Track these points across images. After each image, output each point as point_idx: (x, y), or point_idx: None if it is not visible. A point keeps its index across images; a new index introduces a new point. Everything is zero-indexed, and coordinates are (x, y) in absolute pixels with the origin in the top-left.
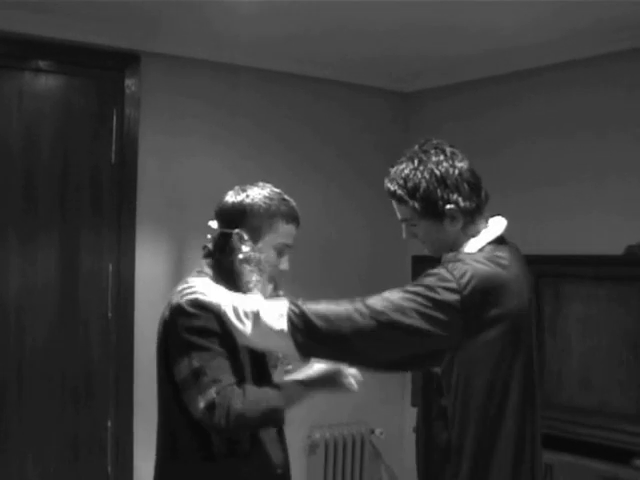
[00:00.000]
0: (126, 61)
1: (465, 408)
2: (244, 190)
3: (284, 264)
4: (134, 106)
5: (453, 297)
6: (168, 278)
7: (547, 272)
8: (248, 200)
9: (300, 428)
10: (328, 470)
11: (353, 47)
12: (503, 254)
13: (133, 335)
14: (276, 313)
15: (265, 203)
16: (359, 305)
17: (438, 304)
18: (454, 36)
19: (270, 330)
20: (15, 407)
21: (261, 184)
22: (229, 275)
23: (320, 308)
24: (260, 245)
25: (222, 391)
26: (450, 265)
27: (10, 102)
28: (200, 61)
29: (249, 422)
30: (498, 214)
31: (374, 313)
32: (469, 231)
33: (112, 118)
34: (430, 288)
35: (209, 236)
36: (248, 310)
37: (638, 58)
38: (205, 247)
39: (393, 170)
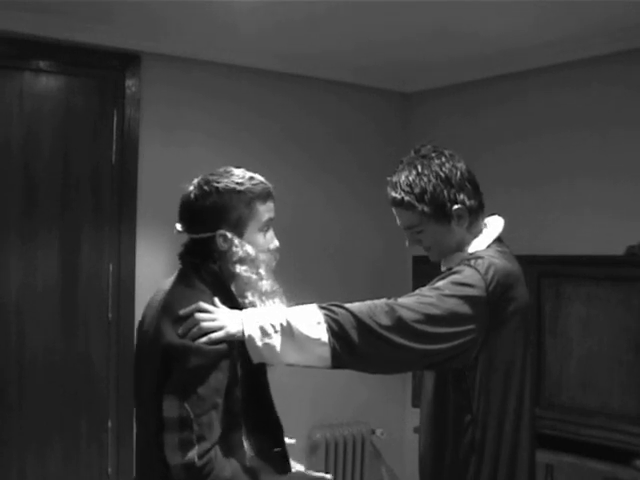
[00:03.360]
0: (126, 61)
1: (487, 403)
2: (208, 183)
3: (273, 242)
4: (134, 106)
5: (481, 293)
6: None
7: (547, 272)
8: (220, 196)
9: (301, 428)
10: (329, 470)
11: (355, 48)
12: (506, 250)
13: (133, 335)
14: (312, 320)
15: (238, 191)
16: (397, 316)
17: (468, 301)
18: (455, 38)
19: (306, 339)
20: (15, 407)
21: (221, 170)
22: (221, 281)
23: (357, 319)
24: (246, 236)
25: (205, 455)
26: (472, 262)
27: (10, 102)
28: (200, 61)
29: None
30: (493, 213)
31: (416, 329)
32: (473, 230)
33: (112, 118)
34: (460, 285)
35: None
36: (276, 322)
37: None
38: (183, 256)
39: (395, 179)
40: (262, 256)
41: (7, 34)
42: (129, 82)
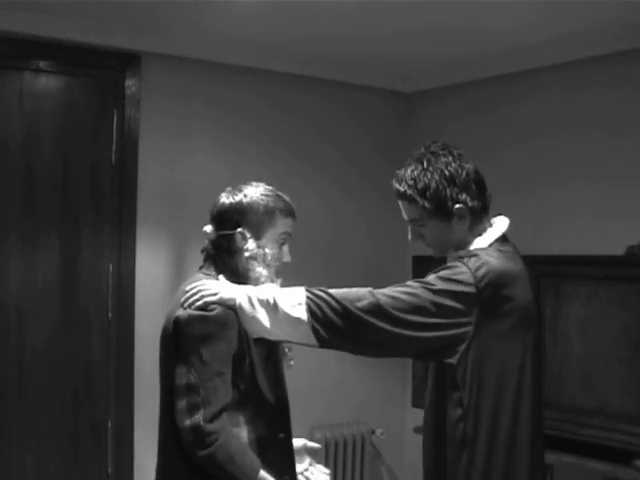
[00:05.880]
0: (126, 61)
1: (480, 398)
2: (240, 190)
3: (287, 256)
4: (134, 106)
5: (469, 289)
6: (168, 278)
7: (547, 272)
8: (246, 199)
9: (301, 428)
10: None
11: (354, 48)
12: (509, 249)
13: (133, 335)
14: (294, 301)
15: (262, 200)
16: (375, 301)
17: (455, 296)
18: (455, 37)
19: (288, 318)
20: (15, 407)
21: (254, 183)
22: (237, 275)
23: (337, 301)
24: (263, 241)
25: (213, 420)
26: (465, 259)
27: (10, 102)
28: (200, 61)
29: (220, 465)
30: (500, 214)
31: (393, 314)
32: (475, 230)
33: (112, 118)
34: (447, 280)
35: (206, 241)
36: (264, 298)
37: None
38: (204, 251)
39: (401, 172)
40: (274, 262)
41: (7, 34)
42: (129, 82)
